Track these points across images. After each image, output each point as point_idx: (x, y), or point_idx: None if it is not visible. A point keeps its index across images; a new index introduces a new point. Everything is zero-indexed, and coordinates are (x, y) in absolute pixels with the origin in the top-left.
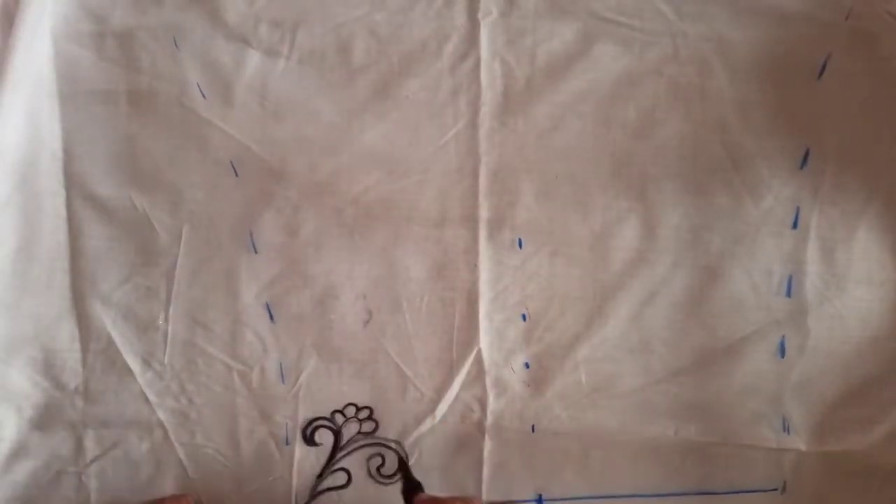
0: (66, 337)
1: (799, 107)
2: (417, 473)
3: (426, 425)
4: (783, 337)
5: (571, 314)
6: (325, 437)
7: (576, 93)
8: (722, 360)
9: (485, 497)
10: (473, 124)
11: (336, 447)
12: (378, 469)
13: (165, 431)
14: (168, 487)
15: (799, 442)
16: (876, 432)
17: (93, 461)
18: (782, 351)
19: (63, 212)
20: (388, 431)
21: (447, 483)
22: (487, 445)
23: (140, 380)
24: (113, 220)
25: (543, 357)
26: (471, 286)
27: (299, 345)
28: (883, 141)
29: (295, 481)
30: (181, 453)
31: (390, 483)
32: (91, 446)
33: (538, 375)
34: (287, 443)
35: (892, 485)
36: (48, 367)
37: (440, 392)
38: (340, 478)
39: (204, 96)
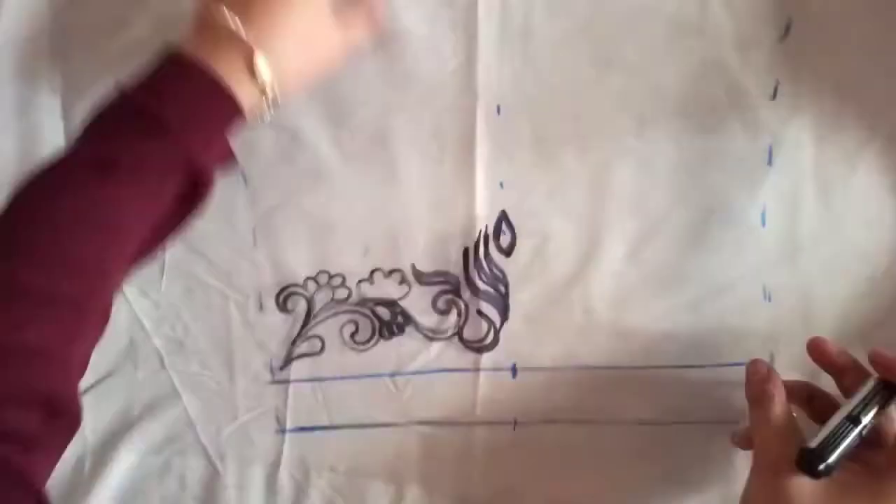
0: None
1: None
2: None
3: (420, 361)
4: (778, 277)
5: (569, 252)
6: (298, 305)
7: (574, 30)
8: (718, 299)
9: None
10: (471, 61)
11: (309, 314)
12: (352, 336)
13: (161, 360)
14: (162, 416)
15: None
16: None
17: (88, 389)
18: (777, 291)
19: (62, 142)
20: (382, 367)
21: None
22: (481, 378)
23: (136, 307)
24: None
25: (539, 295)
26: (468, 223)
27: (296, 277)
28: (883, 79)
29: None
30: (176, 381)
31: (364, 349)
32: (86, 374)
33: (533, 314)
34: (282, 370)
35: None
36: None
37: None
38: (314, 345)
39: None
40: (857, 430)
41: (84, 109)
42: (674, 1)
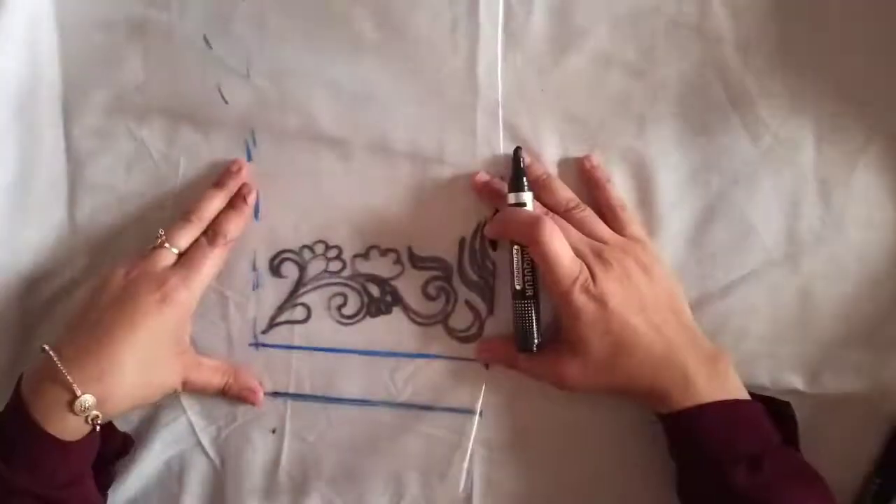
0: (65, 268)
1: (797, 44)
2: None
3: (402, 344)
4: (778, 277)
5: None
6: (291, 272)
7: (575, 30)
8: (718, 301)
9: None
10: (472, 60)
11: (300, 281)
12: (339, 308)
13: None
14: (162, 418)
15: (797, 384)
16: (877, 376)
17: None
18: (777, 291)
19: (62, 143)
20: (364, 345)
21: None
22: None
23: None
24: (111, 151)
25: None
26: (467, 214)
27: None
28: (883, 79)
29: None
30: None
31: (349, 323)
32: None
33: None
34: (264, 333)
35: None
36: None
37: None
38: (300, 312)
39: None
40: (531, 303)
41: (84, 109)
42: (674, 1)
